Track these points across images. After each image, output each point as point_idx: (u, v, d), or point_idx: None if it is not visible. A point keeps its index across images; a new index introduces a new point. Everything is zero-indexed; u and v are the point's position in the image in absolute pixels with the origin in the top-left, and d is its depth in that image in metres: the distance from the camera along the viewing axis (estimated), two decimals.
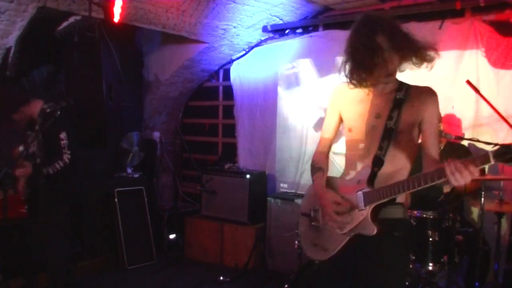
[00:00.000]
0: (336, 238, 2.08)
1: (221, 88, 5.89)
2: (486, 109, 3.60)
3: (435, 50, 1.97)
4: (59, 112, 3.22)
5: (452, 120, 3.86)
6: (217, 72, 5.82)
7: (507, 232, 3.62)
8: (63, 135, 3.37)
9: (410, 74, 2.08)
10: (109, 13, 3.78)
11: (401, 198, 2.02)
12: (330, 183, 2.18)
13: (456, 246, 3.20)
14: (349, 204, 2.04)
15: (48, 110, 3.31)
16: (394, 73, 2.02)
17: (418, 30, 3.82)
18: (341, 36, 2.24)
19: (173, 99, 5.84)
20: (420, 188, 1.82)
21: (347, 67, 2.01)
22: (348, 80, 2.03)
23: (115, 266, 4.77)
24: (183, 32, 4.68)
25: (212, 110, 5.96)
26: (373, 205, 1.97)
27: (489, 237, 3.41)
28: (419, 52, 1.95)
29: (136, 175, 5.21)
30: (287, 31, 5.08)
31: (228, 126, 5.76)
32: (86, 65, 5.02)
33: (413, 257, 3.19)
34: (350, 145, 2.15)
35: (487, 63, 3.74)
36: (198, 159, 5.76)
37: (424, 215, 3.21)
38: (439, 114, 3.03)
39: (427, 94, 2.03)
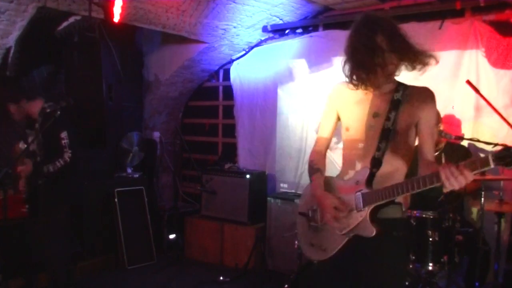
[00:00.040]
0: (335, 238, 2.09)
1: (221, 88, 5.90)
2: (486, 109, 3.60)
3: (432, 56, 1.97)
4: (59, 112, 3.23)
5: (452, 120, 3.86)
6: (217, 72, 5.83)
7: (507, 232, 3.62)
8: (64, 134, 3.38)
9: (410, 74, 2.07)
10: (109, 13, 3.78)
11: (400, 197, 2.01)
12: (329, 183, 2.17)
13: (456, 246, 3.20)
14: (348, 205, 2.04)
15: (48, 110, 3.33)
16: (393, 74, 2.02)
17: (418, 30, 3.88)
18: (341, 36, 2.24)
19: (173, 99, 5.84)
20: (419, 190, 1.83)
21: (347, 67, 2.01)
22: (348, 81, 2.03)
23: (115, 266, 4.77)
24: (183, 32, 4.68)
25: (212, 110, 5.96)
26: (372, 206, 1.97)
27: (489, 237, 3.41)
28: (416, 55, 1.95)
29: (136, 175, 5.21)
30: (287, 31, 5.08)
31: (228, 126, 5.76)
32: (86, 65, 5.02)
33: (413, 257, 3.18)
34: (348, 144, 2.15)
35: (487, 63, 3.75)
36: (198, 159, 5.76)
37: (424, 215, 3.21)
38: (438, 114, 3.05)
39: (425, 94, 2.03)
